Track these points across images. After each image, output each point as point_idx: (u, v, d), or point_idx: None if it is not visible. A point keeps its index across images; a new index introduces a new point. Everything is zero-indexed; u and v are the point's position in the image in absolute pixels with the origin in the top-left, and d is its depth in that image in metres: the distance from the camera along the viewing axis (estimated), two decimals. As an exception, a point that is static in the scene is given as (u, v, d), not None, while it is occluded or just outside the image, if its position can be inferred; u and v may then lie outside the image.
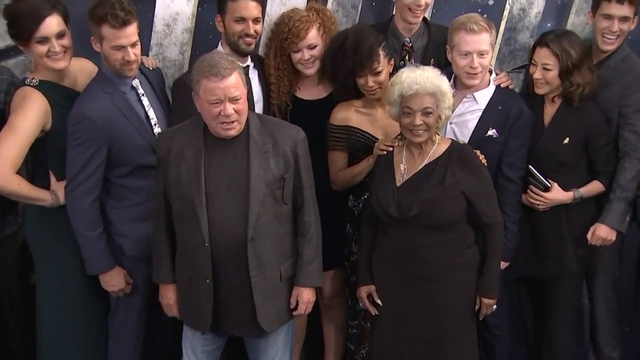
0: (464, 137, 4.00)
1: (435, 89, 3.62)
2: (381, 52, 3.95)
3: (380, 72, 3.95)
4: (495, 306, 3.78)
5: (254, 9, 4.04)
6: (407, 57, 4.27)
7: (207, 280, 3.51)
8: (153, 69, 4.09)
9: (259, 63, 4.23)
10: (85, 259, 3.83)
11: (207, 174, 3.48)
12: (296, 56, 4.12)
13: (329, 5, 4.55)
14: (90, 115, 3.69)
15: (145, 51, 4.28)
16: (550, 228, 4.09)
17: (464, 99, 4.02)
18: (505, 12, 4.66)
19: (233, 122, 3.43)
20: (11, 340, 4.19)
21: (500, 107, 4.00)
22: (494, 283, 3.74)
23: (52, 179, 3.86)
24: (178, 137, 3.55)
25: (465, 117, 4.03)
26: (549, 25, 4.66)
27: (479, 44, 3.88)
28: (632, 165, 4.05)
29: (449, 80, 3.82)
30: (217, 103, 3.39)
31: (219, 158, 3.50)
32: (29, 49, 3.77)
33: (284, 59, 4.16)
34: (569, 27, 4.66)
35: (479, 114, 4.01)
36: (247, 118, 3.51)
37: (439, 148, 3.72)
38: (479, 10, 4.51)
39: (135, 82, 3.86)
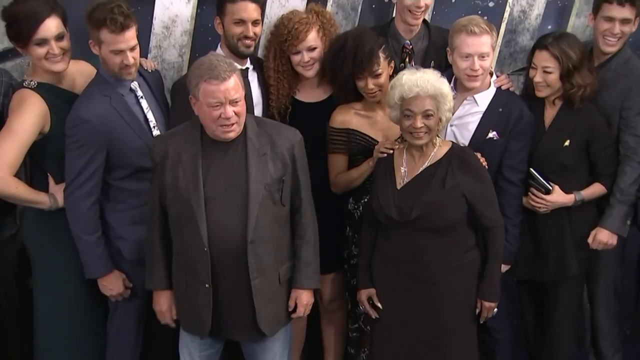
0: (464, 139, 3.99)
1: (436, 91, 3.61)
2: (381, 55, 3.94)
3: (380, 74, 3.94)
4: (496, 310, 3.77)
5: (253, 11, 4.03)
6: (407, 60, 4.26)
7: (207, 285, 3.50)
8: (152, 71, 4.08)
9: (259, 65, 4.22)
10: (83, 263, 3.82)
11: (206, 178, 3.47)
12: (295, 58, 4.11)
13: (329, 7, 4.54)
14: (89, 118, 3.68)
15: (144, 53, 4.27)
16: (552, 231, 4.09)
17: (465, 101, 4.01)
18: (506, 14, 4.65)
19: (233, 124, 3.42)
20: (9, 344, 4.18)
21: (501, 110, 3.99)
22: (495, 286, 3.74)
23: (51, 181, 3.85)
24: (174, 141, 3.54)
25: (466, 119, 4.02)
26: (549, 27, 4.65)
27: (480, 47, 3.87)
28: (632, 169, 4.04)
29: (449, 83, 3.82)
30: (217, 106, 3.38)
31: (217, 161, 3.49)
32: (27, 51, 3.76)
33: (283, 61, 4.15)
34: (569, 29, 4.66)
35: (480, 116, 4.01)
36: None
37: (439, 151, 3.71)
38: (479, 12, 4.51)
39: (134, 85, 3.85)
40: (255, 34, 4.05)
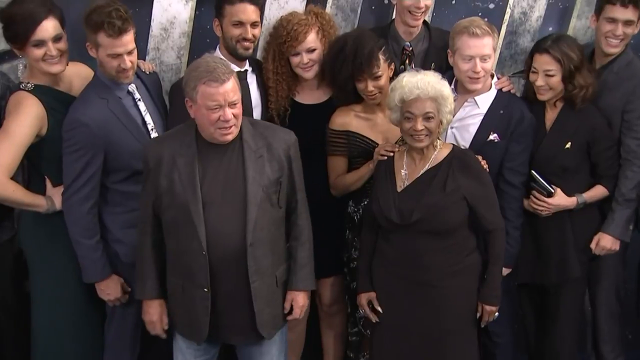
0: (465, 141, 3.98)
1: (436, 93, 3.60)
2: (381, 57, 3.93)
3: (380, 76, 3.93)
4: (497, 313, 3.75)
5: (252, 13, 4.01)
6: (407, 61, 4.25)
7: (205, 289, 3.48)
8: (150, 73, 4.07)
9: (257, 67, 4.21)
10: (82, 267, 3.81)
11: (202, 181, 3.46)
12: (295, 60, 4.10)
13: (328, 9, 4.53)
14: (86, 121, 3.66)
15: (142, 55, 4.26)
16: (554, 234, 4.07)
17: (465, 103, 4.01)
18: (506, 16, 4.64)
19: (231, 127, 3.41)
20: (6, 348, 4.17)
21: (501, 112, 3.98)
22: (496, 290, 3.73)
23: (48, 184, 3.84)
24: (168, 144, 3.51)
25: (467, 121, 4.01)
26: (550, 29, 4.64)
27: (481, 48, 3.86)
28: (634, 173, 4.04)
29: (450, 85, 3.80)
30: (216, 108, 3.37)
31: (214, 164, 3.48)
32: (24, 52, 3.74)
33: (282, 62, 4.14)
34: (570, 30, 4.65)
35: (480, 118, 4.00)
36: None
37: (440, 153, 3.70)
38: (480, 13, 4.49)
39: (132, 87, 3.84)
40: (254, 35, 4.04)
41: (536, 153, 4.03)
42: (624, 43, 4.05)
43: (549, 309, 4.23)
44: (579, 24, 4.65)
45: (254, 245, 3.46)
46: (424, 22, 4.29)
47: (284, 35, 4.07)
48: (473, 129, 3.99)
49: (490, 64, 3.94)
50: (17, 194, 3.70)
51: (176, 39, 4.48)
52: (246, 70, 4.13)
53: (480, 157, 3.80)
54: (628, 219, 4.08)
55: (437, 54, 4.20)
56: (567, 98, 3.98)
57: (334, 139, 4.03)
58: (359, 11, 4.58)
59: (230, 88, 3.38)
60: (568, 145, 4.01)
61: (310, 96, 4.18)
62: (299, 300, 3.67)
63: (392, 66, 4.00)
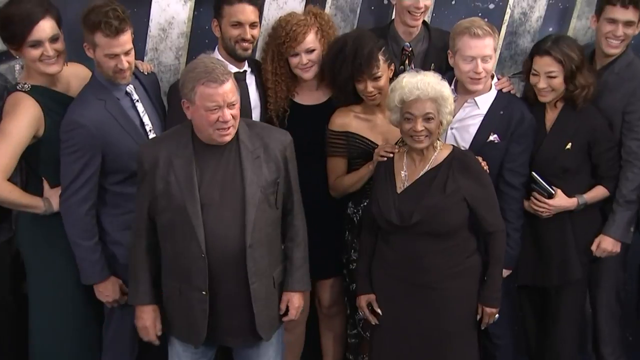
0: (465, 142, 3.98)
1: (436, 94, 3.60)
2: (381, 57, 3.92)
3: (379, 77, 3.92)
4: (497, 315, 3.75)
5: (250, 14, 4.01)
6: (407, 62, 4.24)
7: (203, 292, 3.46)
8: (148, 73, 4.06)
9: (256, 68, 4.20)
10: (80, 269, 3.79)
11: (200, 183, 3.44)
12: (294, 60, 4.09)
13: (327, 9, 4.52)
14: (84, 122, 3.65)
15: (140, 56, 4.25)
16: (555, 235, 4.07)
17: (465, 104, 4.00)
18: (506, 16, 4.63)
19: (229, 127, 3.41)
20: (3, 349, 4.16)
21: (502, 112, 3.98)
22: (497, 292, 3.72)
23: (45, 185, 3.83)
24: (164, 146, 3.50)
25: (466, 122, 4.00)
26: (550, 29, 4.63)
27: (483, 49, 3.85)
28: (634, 175, 4.03)
29: (450, 85, 3.79)
30: (215, 109, 3.36)
31: (211, 166, 3.47)
32: (21, 53, 3.73)
33: (281, 63, 4.12)
34: (570, 31, 4.64)
35: (480, 119, 3.99)
36: None
37: (440, 154, 3.69)
38: (480, 14, 4.48)
39: (130, 88, 3.83)
40: (252, 36, 4.03)
41: (536, 154, 4.02)
42: (624, 44, 4.04)
43: (549, 310, 4.23)
44: (579, 25, 4.64)
45: (253, 246, 3.45)
46: (424, 22, 4.28)
47: (283, 36, 4.06)
48: (473, 130, 3.98)
49: (492, 65, 3.94)
50: (14, 195, 3.69)
51: (174, 39, 4.46)
52: (245, 71, 4.12)
53: (480, 158, 3.79)
54: (629, 221, 4.08)
55: (437, 54, 4.19)
56: (568, 98, 3.97)
57: (334, 140, 4.02)
58: (358, 11, 4.57)
59: (229, 89, 3.37)
60: (568, 146, 4.00)
61: (310, 97, 4.17)
62: (295, 301, 3.67)
63: (392, 67, 3.99)
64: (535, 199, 4.00)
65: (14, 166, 3.68)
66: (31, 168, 3.86)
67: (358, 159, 4.01)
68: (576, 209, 4.03)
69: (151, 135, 3.83)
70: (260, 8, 4.15)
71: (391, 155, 3.77)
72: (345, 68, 3.89)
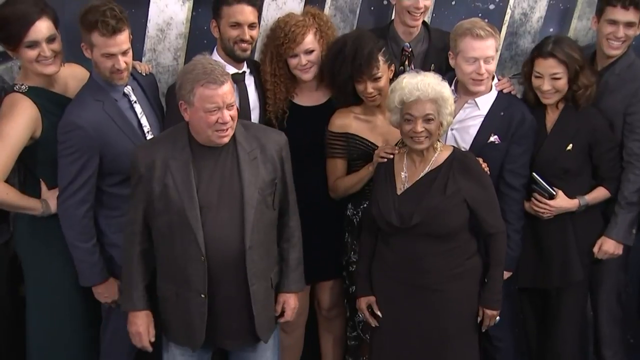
0: (465, 143, 3.97)
1: (436, 95, 3.59)
2: (381, 58, 3.91)
3: (379, 78, 3.91)
4: (498, 318, 3.73)
5: (249, 14, 3.99)
6: (406, 63, 4.23)
7: (202, 295, 3.44)
8: (146, 74, 4.05)
9: (255, 69, 4.19)
10: (79, 271, 3.78)
11: (198, 185, 3.43)
12: (293, 62, 4.07)
13: (327, 10, 4.51)
14: (81, 124, 3.64)
15: (138, 56, 4.25)
16: (555, 236, 4.06)
17: (466, 105, 3.99)
18: (507, 17, 4.62)
19: (228, 129, 3.40)
20: (1, 352, 4.15)
21: (502, 113, 3.97)
22: (497, 294, 3.71)
23: (43, 187, 3.82)
24: (160, 149, 3.47)
25: (467, 123, 3.99)
26: (551, 30, 4.62)
27: (485, 50, 3.84)
28: (636, 176, 4.03)
29: (450, 86, 3.78)
30: (214, 111, 3.35)
31: (208, 167, 3.46)
32: (18, 54, 3.72)
33: (280, 64, 4.11)
34: (571, 32, 4.64)
35: (481, 119, 3.98)
36: None
37: (440, 155, 3.69)
38: (480, 14, 4.47)
39: (128, 89, 3.82)
40: (251, 37, 4.02)
41: (537, 155, 4.01)
42: (625, 45, 4.04)
43: (550, 312, 4.22)
44: (580, 25, 4.63)
45: (252, 248, 3.44)
46: (424, 23, 4.27)
47: (282, 37, 4.04)
48: (473, 131, 3.97)
49: (494, 66, 3.93)
50: (10, 197, 3.68)
51: (173, 40, 4.45)
52: (244, 72, 4.11)
53: (480, 160, 3.78)
54: (631, 223, 4.07)
55: (437, 55, 4.18)
56: (570, 98, 3.96)
57: (333, 141, 4.01)
58: (357, 12, 4.56)
59: (228, 90, 3.37)
60: (569, 147, 4.00)
61: (309, 98, 4.16)
62: (291, 303, 3.68)
63: (392, 67, 3.98)
64: (536, 199, 4.00)
65: (11, 168, 3.67)
66: (29, 169, 3.85)
67: (358, 160, 4.00)
68: (577, 210, 4.02)
69: (149, 137, 3.82)
70: (259, 9, 4.14)
71: (391, 156, 3.76)
72: (345, 69, 3.88)
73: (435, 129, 3.59)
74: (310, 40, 4.05)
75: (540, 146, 4.01)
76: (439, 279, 3.63)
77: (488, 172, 3.77)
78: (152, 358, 4.07)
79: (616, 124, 4.05)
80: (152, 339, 3.59)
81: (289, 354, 4.27)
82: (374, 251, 3.79)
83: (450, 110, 3.62)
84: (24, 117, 3.65)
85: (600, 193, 4.05)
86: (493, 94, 4.00)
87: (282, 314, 3.68)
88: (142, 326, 3.56)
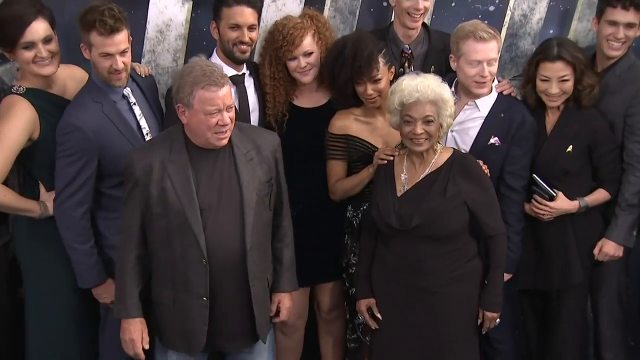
0: (466, 145, 3.96)
1: (436, 97, 3.58)
2: (381, 60, 3.90)
3: (379, 80, 3.90)
4: (498, 320, 3.73)
5: (249, 16, 3.99)
6: (406, 65, 4.22)
7: (205, 298, 3.43)
8: (146, 76, 4.04)
9: (255, 71, 4.18)
10: (77, 273, 3.77)
11: (198, 188, 3.42)
12: (292, 65, 4.06)
13: (327, 12, 4.50)
14: (80, 125, 3.63)
15: (137, 58, 4.24)
16: (556, 239, 4.05)
17: (466, 107, 3.98)
18: (507, 19, 4.62)
19: (227, 131, 3.40)
20: (0, 354, 4.14)
21: (503, 115, 3.96)
22: (498, 296, 3.70)
23: (42, 189, 3.81)
24: (156, 152, 3.45)
25: (467, 125, 3.98)
26: (551, 31, 4.62)
27: (489, 53, 3.84)
28: (637, 178, 4.02)
29: (450, 88, 3.77)
30: (215, 113, 3.34)
31: (207, 170, 3.45)
32: (15, 55, 3.72)
33: (279, 68, 4.10)
34: (571, 33, 4.63)
35: (481, 121, 3.97)
36: None
37: (440, 158, 3.68)
38: (480, 16, 4.46)
39: (127, 91, 3.81)
40: (251, 39, 4.01)
41: (537, 157, 4.01)
42: (626, 46, 4.04)
43: (551, 315, 4.21)
44: (580, 27, 4.63)
45: (253, 249, 3.45)
46: (424, 24, 4.26)
47: (280, 40, 4.03)
48: (474, 133, 3.96)
49: (496, 68, 3.92)
50: (8, 199, 3.68)
51: (172, 41, 4.44)
52: (244, 74, 4.10)
53: (481, 162, 3.77)
54: (632, 225, 4.07)
55: (437, 56, 4.18)
56: (573, 99, 3.95)
57: (334, 143, 4.00)
58: (357, 14, 4.55)
59: (227, 92, 3.37)
60: (569, 149, 3.99)
61: (310, 100, 4.15)
62: (286, 302, 3.70)
63: (393, 69, 3.97)
64: (537, 201, 3.99)
65: (8, 170, 3.66)
66: (27, 171, 3.84)
67: (358, 163, 3.99)
68: (578, 212, 4.02)
69: (148, 139, 3.80)
70: (259, 11, 4.12)
71: (391, 158, 3.75)
72: (345, 71, 3.88)
73: (435, 131, 3.59)
74: (309, 42, 4.04)
75: (540, 148, 4.01)
76: (439, 282, 3.63)
77: (488, 174, 3.77)
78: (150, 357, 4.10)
79: (617, 125, 4.05)
80: (147, 347, 3.55)
81: (289, 356, 4.27)
82: (374, 253, 3.78)
83: (450, 113, 3.62)
84: (22, 119, 3.64)
85: (600, 195, 4.05)
86: (493, 96, 3.99)
87: (277, 314, 3.69)
88: (136, 333, 3.51)
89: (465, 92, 3.95)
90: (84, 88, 3.77)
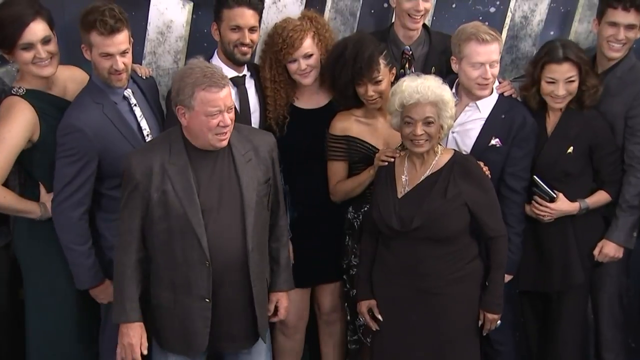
0: (466, 146, 3.96)
1: (436, 98, 3.58)
2: (381, 61, 3.90)
3: (380, 81, 3.90)
4: (499, 321, 3.72)
5: (250, 18, 3.98)
6: (407, 66, 4.22)
7: (206, 300, 3.43)
8: (146, 77, 4.04)
9: (256, 72, 4.17)
10: (74, 274, 3.77)
11: (198, 190, 3.42)
12: (292, 67, 4.06)
13: (327, 13, 4.50)
14: (80, 126, 3.63)
15: (138, 59, 4.24)
16: (556, 239, 4.05)
17: (467, 108, 3.98)
18: (507, 20, 4.61)
19: (227, 132, 3.40)
20: (0, 355, 4.13)
21: (503, 116, 3.96)
22: (499, 298, 3.70)
23: (42, 190, 3.82)
24: (156, 155, 3.44)
25: (468, 126, 3.98)
26: (551, 33, 4.62)
27: (491, 54, 3.84)
28: (637, 179, 4.02)
29: (451, 89, 3.77)
30: (216, 114, 3.34)
31: (207, 171, 3.45)
32: (13, 56, 3.72)
33: (279, 70, 4.09)
34: (572, 35, 4.63)
35: (482, 122, 3.97)
36: None
37: (441, 159, 3.68)
38: (480, 17, 4.46)
39: (127, 92, 3.81)
40: (252, 40, 4.01)
41: (538, 158, 4.01)
42: (626, 47, 4.03)
43: (551, 316, 4.20)
44: (581, 28, 4.63)
45: (254, 250, 3.45)
46: (424, 25, 4.26)
47: (280, 43, 4.03)
48: (474, 134, 3.96)
49: (497, 69, 3.91)
50: (8, 200, 3.68)
51: (173, 43, 4.44)
52: (244, 75, 4.09)
53: (481, 163, 3.77)
54: (632, 226, 4.06)
55: (438, 57, 4.18)
56: (576, 100, 3.95)
57: (334, 144, 4.00)
58: (358, 15, 4.55)
59: (228, 93, 3.38)
60: (570, 150, 3.99)
61: (310, 101, 4.14)
62: (284, 301, 3.71)
63: (393, 71, 3.97)
64: (537, 202, 3.98)
65: (8, 171, 3.66)
66: (27, 172, 3.84)
67: (359, 164, 3.99)
68: (578, 213, 4.01)
69: (148, 140, 3.80)
70: (260, 12, 4.11)
71: (392, 159, 3.75)
72: (346, 72, 3.87)
73: (435, 132, 3.59)
74: (308, 44, 4.03)
75: (541, 149, 4.00)
76: (440, 283, 3.63)
77: (489, 175, 3.77)
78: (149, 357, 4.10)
79: (617, 127, 4.04)
80: (145, 352, 3.51)
81: (290, 357, 4.27)
82: (375, 255, 3.78)
83: (450, 114, 3.62)
84: (22, 120, 3.64)
85: (601, 197, 4.04)
86: (494, 97, 3.99)
87: (275, 313, 3.70)
88: (135, 338, 3.47)
89: (465, 93, 3.95)
90: (84, 89, 3.77)
